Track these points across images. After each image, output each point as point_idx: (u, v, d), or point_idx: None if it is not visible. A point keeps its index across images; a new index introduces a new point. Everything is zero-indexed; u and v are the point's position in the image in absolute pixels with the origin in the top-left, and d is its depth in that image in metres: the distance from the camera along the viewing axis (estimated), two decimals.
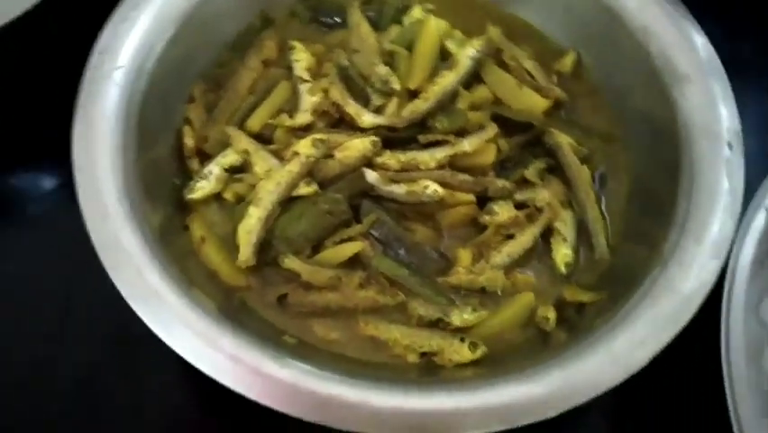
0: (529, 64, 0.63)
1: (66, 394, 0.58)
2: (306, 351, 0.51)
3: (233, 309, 0.52)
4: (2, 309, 0.61)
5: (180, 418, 0.58)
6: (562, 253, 0.56)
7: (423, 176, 0.56)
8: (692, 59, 0.57)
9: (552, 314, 0.53)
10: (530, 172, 0.58)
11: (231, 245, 0.55)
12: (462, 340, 0.51)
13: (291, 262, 0.54)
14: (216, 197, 0.57)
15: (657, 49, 0.58)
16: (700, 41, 0.57)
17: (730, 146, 0.53)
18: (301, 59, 0.61)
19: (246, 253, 0.53)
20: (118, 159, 0.52)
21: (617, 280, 0.54)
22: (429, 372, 0.51)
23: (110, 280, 0.47)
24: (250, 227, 0.54)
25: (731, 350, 0.46)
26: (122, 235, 0.48)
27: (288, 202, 0.55)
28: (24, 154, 0.68)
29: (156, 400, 0.58)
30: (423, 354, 0.52)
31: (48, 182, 0.68)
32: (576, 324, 0.52)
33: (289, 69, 0.61)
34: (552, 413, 0.43)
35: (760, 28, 0.70)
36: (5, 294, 0.62)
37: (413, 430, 0.44)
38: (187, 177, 0.58)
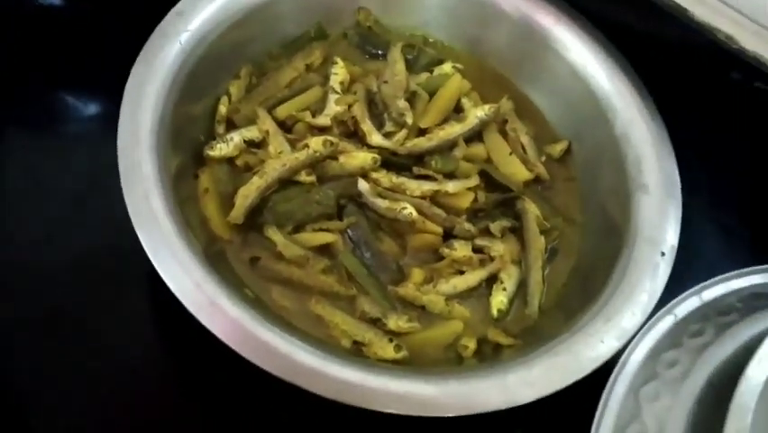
0: (526, 139, 0.71)
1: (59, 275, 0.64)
2: (259, 306, 0.58)
3: (212, 255, 0.59)
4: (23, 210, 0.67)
5: (147, 354, 0.63)
6: (499, 300, 0.63)
7: (405, 199, 0.65)
8: (658, 176, 0.65)
9: (472, 345, 0.60)
10: (495, 226, 0.65)
11: (227, 203, 0.63)
12: (391, 341, 0.59)
13: (273, 233, 0.62)
14: (229, 160, 0.65)
15: (633, 158, 0.66)
16: (671, 162, 0.66)
17: (662, 255, 0.61)
18: (339, 73, 0.70)
19: (238, 211, 0.61)
20: (160, 103, 0.60)
21: (534, 335, 0.61)
22: (355, 356, 0.58)
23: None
24: (248, 192, 0.62)
25: (604, 415, 0.53)
26: (143, 162, 0.57)
27: (286, 183, 0.63)
28: (87, 77, 0.77)
29: (126, 334, 0.62)
30: (355, 342, 0.59)
31: (98, 106, 0.76)
32: (489, 358, 0.60)
33: (326, 78, 0.70)
34: (440, 413, 0.50)
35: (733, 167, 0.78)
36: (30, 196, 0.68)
37: (329, 391, 0.50)
38: (212, 137, 0.66)
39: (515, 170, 0.69)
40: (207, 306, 0.52)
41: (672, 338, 0.57)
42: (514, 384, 0.53)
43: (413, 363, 0.59)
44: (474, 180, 0.67)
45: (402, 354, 0.58)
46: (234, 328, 0.52)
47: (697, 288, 0.59)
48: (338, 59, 0.70)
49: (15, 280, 0.63)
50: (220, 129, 0.66)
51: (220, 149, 0.64)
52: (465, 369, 0.56)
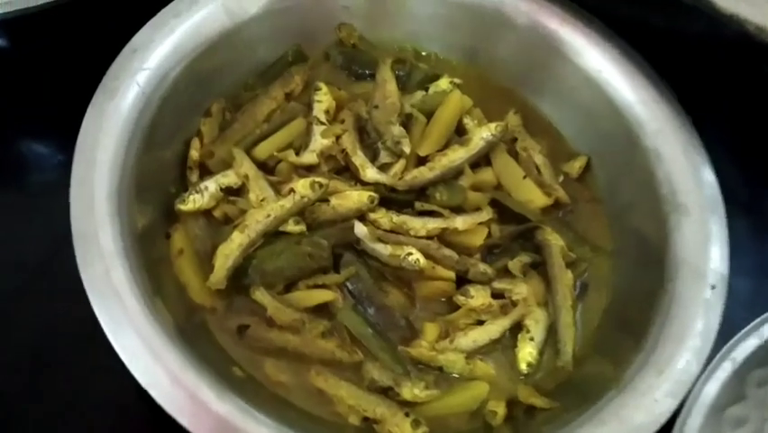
0: (539, 159, 0.63)
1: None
2: (251, 387, 0.51)
3: (191, 328, 0.52)
4: None
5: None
6: (527, 352, 0.55)
7: (410, 242, 0.57)
8: (695, 193, 0.57)
9: (501, 410, 0.52)
10: (514, 264, 0.58)
11: (207, 264, 0.55)
12: (407, 415, 0.50)
13: (261, 295, 0.54)
14: (205, 213, 0.57)
15: (664, 175, 0.58)
16: (708, 176, 0.58)
17: (713, 288, 0.53)
18: (323, 100, 0.62)
19: (219, 274, 0.53)
20: (120, 156, 0.52)
21: (572, 392, 0.53)
22: None
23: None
24: (229, 251, 0.54)
25: None
26: (101, 231, 0.49)
27: (272, 236, 0.56)
28: (40, 127, 0.69)
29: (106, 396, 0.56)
30: (365, 419, 0.51)
31: (57, 157, 0.68)
32: (522, 426, 0.52)
33: (309, 107, 0.62)
34: None
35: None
36: None
37: None
38: (184, 187, 0.58)
39: (531, 196, 0.61)
40: (188, 403, 0.44)
41: (735, 389, 0.50)
42: None
43: None
44: (486, 213, 0.59)
45: (421, 430, 0.50)
46: (221, 427, 0.44)
47: (754, 324, 0.52)
48: (321, 85, 0.62)
49: None
50: (192, 177, 0.59)
51: (194, 201, 0.56)
52: None
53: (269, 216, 0.55)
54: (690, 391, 0.49)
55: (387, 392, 0.52)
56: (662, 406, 0.48)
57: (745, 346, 0.51)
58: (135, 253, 0.50)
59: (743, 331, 0.51)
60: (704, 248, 0.55)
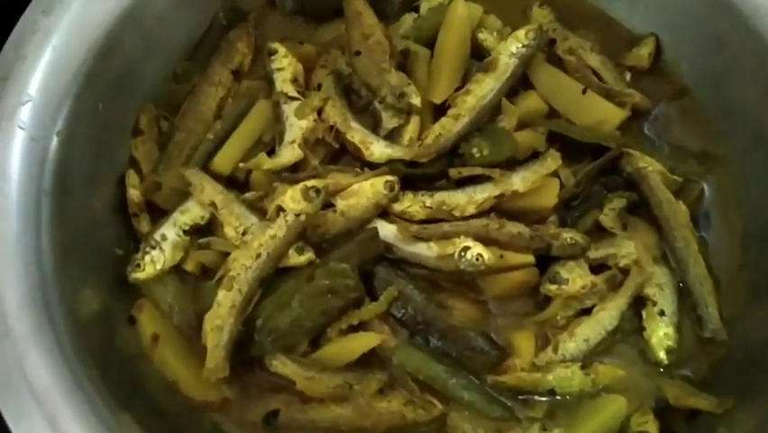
0: (594, 59, 0.51)
1: None
2: None
3: None
4: None
5: None
6: (661, 334, 0.44)
7: (459, 229, 0.44)
8: None
9: (652, 427, 0.40)
10: (606, 216, 0.46)
11: (196, 340, 0.42)
12: None
13: (282, 366, 0.43)
14: (174, 270, 0.45)
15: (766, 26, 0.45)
16: None
17: None
18: (284, 66, 0.50)
19: (215, 358, 0.41)
20: (26, 238, 0.40)
21: (741, 372, 0.41)
22: None
23: None
24: (220, 321, 0.41)
25: None
26: (26, 362, 0.35)
27: (274, 278, 0.43)
28: None
29: None
30: None
31: None
32: None
33: (269, 81, 0.50)
34: None
35: None
36: None
37: None
38: (134, 243, 0.45)
39: (599, 114, 0.49)
40: None
41: None
42: None
43: None
44: (551, 160, 0.46)
45: None
46: None
47: None
48: (275, 46, 0.50)
49: None
50: (142, 225, 0.47)
51: (151, 262, 0.44)
52: None
53: (259, 255, 0.43)
54: None
55: None
56: None
57: None
58: (88, 372, 0.37)
59: None
60: None
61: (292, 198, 0.43)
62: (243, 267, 0.42)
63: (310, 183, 0.43)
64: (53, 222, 0.41)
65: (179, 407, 0.41)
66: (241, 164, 0.46)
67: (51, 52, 0.43)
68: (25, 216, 0.40)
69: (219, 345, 0.41)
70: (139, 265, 0.44)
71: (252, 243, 0.42)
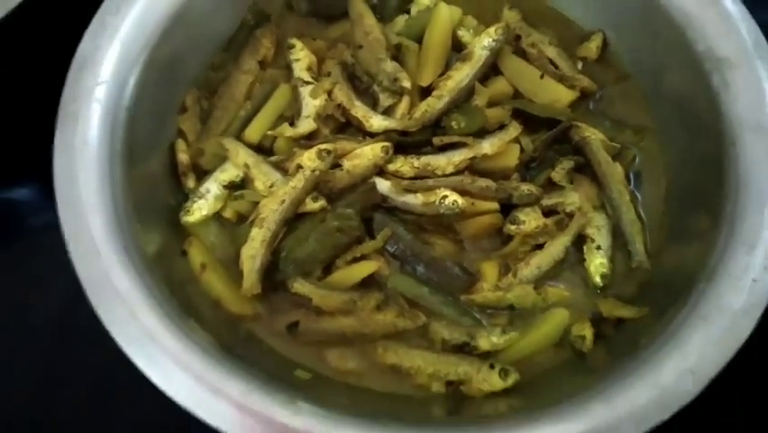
0: (552, 51, 0.58)
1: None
2: (321, 387, 0.47)
3: (239, 342, 0.48)
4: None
5: None
6: (597, 263, 0.51)
7: (440, 183, 0.52)
8: (736, 43, 0.51)
9: (588, 332, 0.49)
10: (557, 173, 0.53)
11: (234, 270, 0.51)
12: (492, 367, 0.47)
13: (300, 286, 0.50)
14: (216, 216, 0.53)
15: (696, 30, 0.52)
16: (747, 22, 0.51)
17: None
18: (301, 57, 0.57)
19: (250, 279, 0.49)
20: (105, 184, 0.47)
21: (659, 292, 0.49)
22: (456, 404, 0.47)
23: None
24: (253, 251, 0.50)
25: None
26: (112, 273, 0.44)
27: (294, 220, 0.51)
28: (22, 170, 0.64)
29: None
30: (449, 383, 0.48)
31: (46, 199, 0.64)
32: (616, 343, 0.48)
33: (289, 69, 0.57)
34: None
35: None
36: None
37: None
38: (183, 196, 0.54)
39: (554, 95, 0.56)
40: (262, 428, 0.40)
41: None
42: (672, 379, 0.41)
43: (527, 385, 0.47)
44: (513, 129, 0.54)
45: (512, 378, 0.47)
46: None
47: None
48: (294, 41, 0.57)
49: None
50: (189, 182, 0.54)
51: (199, 209, 0.52)
52: (598, 376, 0.43)
53: (283, 201, 0.50)
54: None
55: (463, 349, 0.49)
56: (764, 282, 0.43)
57: None
58: (156, 282, 0.46)
59: None
60: (760, 99, 0.49)
61: (309, 158, 0.51)
62: (271, 211, 0.50)
63: (323, 146, 0.51)
64: (124, 178, 0.48)
65: (222, 319, 0.49)
66: (268, 132, 0.53)
67: (119, 45, 0.50)
68: (103, 173, 0.47)
69: (253, 269, 0.49)
70: (189, 212, 0.52)
71: (278, 192, 0.50)
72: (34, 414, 0.55)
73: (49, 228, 0.59)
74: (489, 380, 0.46)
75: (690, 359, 0.42)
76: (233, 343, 0.47)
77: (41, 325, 0.57)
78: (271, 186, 0.51)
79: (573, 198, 0.52)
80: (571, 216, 0.52)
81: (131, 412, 0.53)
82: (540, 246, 0.52)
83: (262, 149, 0.54)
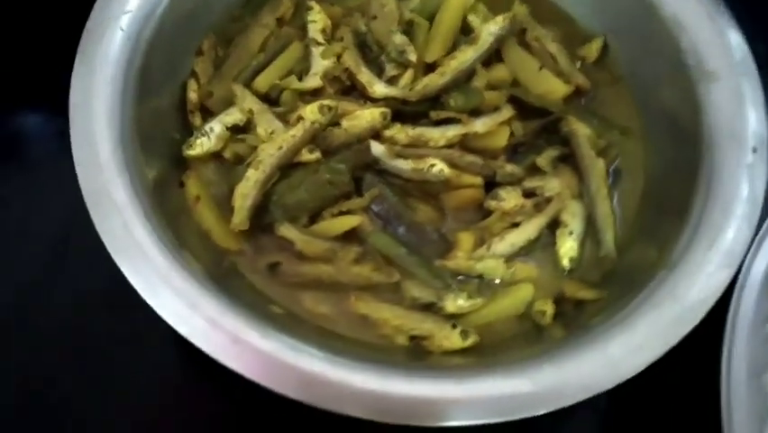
0: (553, 47, 0.60)
1: (52, 341, 0.57)
2: (292, 323, 0.50)
3: (221, 273, 0.51)
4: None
5: (170, 378, 0.56)
6: (567, 247, 0.54)
7: (430, 153, 0.54)
8: (723, 57, 0.53)
9: (549, 308, 0.51)
10: (542, 160, 0.56)
11: (226, 207, 0.53)
12: (454, 327, 0.50)
13: (286, 230, 0.52)
14: (215, 155, 0.55)
15: (688, 43, 0.55)
16: (735, 39, 0.54)
17: (754, 151, 0.50)
18: (317, 20, 0.59)
19: (240, 216, 0.52)
20: (117, 107, 0.50)
21: (620, 280, 0.52)
22: (417, 356, 0.49)
23: None
24: (246, 190, 0.52)
25: (732, 366, 0.44)
26: (112, 187, 0.47)
27: (288, 168, 0.54)
28: (30, 96, 0.67)
29: (145, 358, 0.56)
30: (412, 338, 0.50)
31: (55, 125, 0.66)
32: (573, 321, 0.50)
33: (304, 29, 0.60)
34: (540, 411, 0.42)
35: None
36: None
37: (394, 415, 0.42)
38: (188, 132, 0.56)
39: (549, 87, 0.59)
40: (233, 346, 0.43)
41: None
42: (619, 354, 0.44)
43: (485, 348, 0.50)
44: (506, 112, 0.56)
45: (471, 339, 0.49)
46: (269, 365, 0.43)
47: None
48: (312, 4, 0.60)
49: None
50: (196, 120, 0.57)
51: (201, 145, 0.55)
52: (554, 346, 0.46)
53: (281, 147, 0.53)
54: (743, 260, 0.47)
55: (430, 308, 0.51)
56: (716, 279, 0.46)
57: None
58: (151, 204, 0.48)
59: None
60: (739, 112, 0.52)
61: (311, 111, 0.53)
62: (268, 155, 0.52)
63: (325, 102, 0.53)
64: (135, 105, 0.50)
65: (209, 250, 0.52)
66: (276, 81, 0.56)
67: None
68: (116, 95, 0.49)
69: (244, 207, 0.51)
70: (191, 146, 0.54)
71: (277, 139, 0.52)
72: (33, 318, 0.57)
73: (54, 153, 0.64)
74: (450, 338, 0.49)
75: (638, 338, 0.44)
76: (215, 272, 0.49)
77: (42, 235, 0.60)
78: (272, 133, 0.54)
79: (554, 184, 0.55)
80: (549, 200, 0.55)
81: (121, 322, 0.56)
82: (516, 225, 0.54)
83: (269, 99, 0.57)
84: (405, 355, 0.49)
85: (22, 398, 0.55)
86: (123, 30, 0.52)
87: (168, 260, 0.45)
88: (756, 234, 0.48)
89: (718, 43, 0.54)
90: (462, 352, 0.49)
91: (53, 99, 0.63)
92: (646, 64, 0.58)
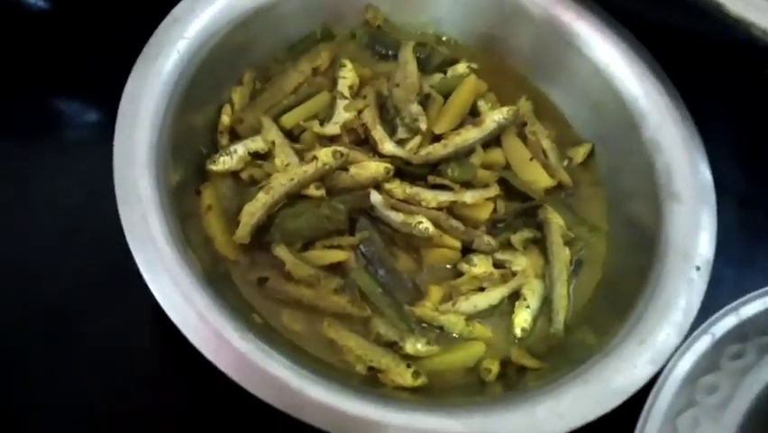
0: (547, 143, 0.67)
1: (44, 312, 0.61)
2: (268, 333, 0.55)
3: (217, 277, 0.56)
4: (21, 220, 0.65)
5: (148, 367, 0.60)
6: (522, 318, 0.60)
7: (421, 211, 0.61)
8: (690, 184, 0.61)
9: (495, 368, 0.57)
10: (516, 238, 0.62)
11: (232, 221, 0.59)
12: (409, 366, 0.55)
13: (281, 251, 0.58)
14: (233, 174, 0.62)
15: (663, 165, 0.62)
16: (703, 169, 0.62)
17: (698, 269, 0.57)
18: (348, 77, 0.67)
19: (244, 230, 0.58)
20: (159, 115, 0.57)
21: (561, 356, 0.58)
22: (371, 384, 0.55)
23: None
24: (254, 209, 0.58)
25: None
26: (140, 181, 0.53)
27: (294, 198, 0.60)
28: (79, 84, 0.73)
29: (126, 343, 0.60)
30: (370, 368, 0.56)
31: (93, 114, 0.73)
32: (514, 383, 0.56)
33: (334, 82, 0.67)
34: None
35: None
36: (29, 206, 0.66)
37: (341, 429, 0.47)
38: (214, 149, 0.63)
39: (536, 177, 0.66)
40: (212, 338, 0.49)
41: (710, 361, 0.54)
42: (543, 417, 0.50)
43: (432, 390, 0.55)
44: (494, 190, 0.63)
45: (421, 380, 0.55)
46: (242, 363, 0.49)
47: (734, 304, 0.56)
48: (346, 62, 0.67)
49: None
50: (223, 140, 0.63)
51: (223, 162, 0.61)
52: (490, 400, 0.52)
53: (292, 179, 0.59)
54: (668, 360, 0.53)
55: (392, 346, 0.57)
56: (641, 371, 0.52)
57: (724, 323, 0.55)
58: (169, 204, 0.55)
59: (723, 309, 0.55)
60: (693, 234, 0.59)
61: (325, 153, 0.59)
62: (280, 183, 0.58)
63: (339, 148, 0.60)
64: (174, 116, 0.57)
65: (210, 254, 0.57)
66: (301, 122, 0.63)
67: (208, 16, 0.61)
68: (161, 105, 0.56)
69: (249, 223, 0.57)
70: (215, 162, 0.60)
71: (290, 171, 0.59)
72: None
73: (87, 140, 0.70)
74: (403, 375, 0.55)
75: (562, 407, 0.50)
76: (212, 274, 0.55)
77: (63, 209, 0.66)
78: (287, 165, 0.60)
79: (522, 262, 0.61)
80: (515, 274, 0.61)
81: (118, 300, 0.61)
82: (482, 290, 0.60)
83: (291, 135, 0.63)
84: (360, 382, 0.55)
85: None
86: (178, 52, 0.60)
87: (174, 253, 0.52)
88: (684, 340, 0.54)
89: (688, 170, 0.62)
90: (411, 390, 0.55)
91: (96, 91, 0.72)
92: (624, 175, 0.66)
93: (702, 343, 0.54)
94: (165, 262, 0.51)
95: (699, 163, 0.62)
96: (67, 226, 0.65)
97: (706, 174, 0.62)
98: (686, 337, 0.54)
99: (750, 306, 0.56)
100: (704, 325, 0.55)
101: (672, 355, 0.53)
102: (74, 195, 0.67)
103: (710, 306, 0.57)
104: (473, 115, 0.67)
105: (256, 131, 0.63)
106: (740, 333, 0.55)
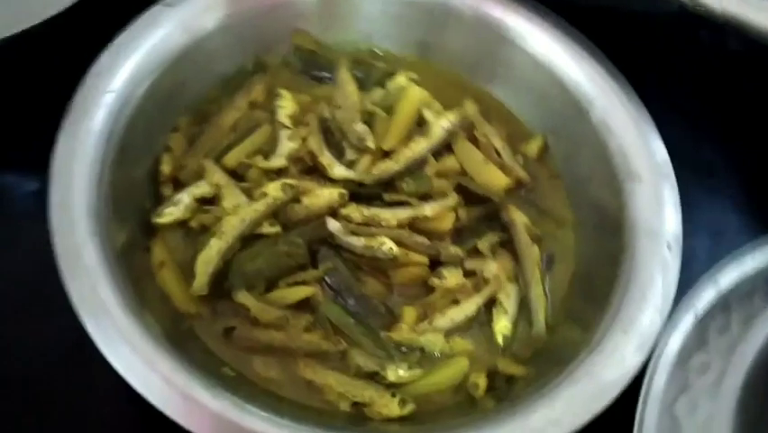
0: (498, 143, 0.66)
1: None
2: (242, 385, 0.52)
3: (179, 335, 0.53)
4: None
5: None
6: (502, 325, 0.58)
7: (382, 232, 0.59)
8: (646, 161, 0.61)
9: (482, 382, 0.55)
10: (483, 244, 0.60)
11: (188, 273, 0.56)
12: (394, 395, 0.53)
13: (243, 297, 0.56)
14: (182, 224, 0.59)
15: (616, 146, 0.62)
16: (657, 144, 0.62)
17: (669, 247, 0.56)
18: (286, 106, 0.64)
19: (201, 282, 0.55)
20: (94, 176, 0.54)
21: (548, 358, 0.56)
22: (358, 422, 0.52)
23: None
24: (208, 258, 0.56)
25: None
26: (83, 250, 0.50)
27: (249, 239, 0.58)
28: (9, 155, 0.70)
29: (98, 413, 0.58)
30: (354, 404, 0.53)
31: (32, 183, 0.69)
32: (504, 394, 0.54)
33: (273, 113, 0.64)
34: None
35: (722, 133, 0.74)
36: None
37: None
38: (159, 201, 0.60)
39: (493, 178, 0.63)
40: (184, 404, 0.46)
41: (697, 339, 0.53)
42: (538, 426, 0.48)
43: (422, 416, 0.53)
44: (453, 199, 0.62)
45: (408, 408, 0.53)
46: (217, 422, 0.46)
47: (710, 272, 0.55)
48: (282, 91, 0.65)
49: None
50: (166, 191, 0.61)
51: (169, 214, 0.58)
52: (482, 416, 0.50)
53: (244, 220, 0.57)
54: (655, 345, 0.52)
55: (373, 377, 0.55)
56: (630, 362, 0.51)
57: (705, 297, 0.54)
58: (119, 268, 0.52)
59: (698, 282, 0.54)
60: (658, 211, 0.58)
61: (274, 188, 0.57)
62: (231, 226, 0.56)
63: (288, 181, 0.58)
64: (111, 174, 0.54)
65: (169, 312, 0.54)
66: (244, 159, 0.60)
67: (133, 64, 0.58)
68: (95, 164, 0.54)
69: (205, 273, 0.55)
70: (160, 215, 0.57)
71: (241, 212, 0.56)
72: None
73: (29, 211, 0.67)
74: (389, 406, 0.52)
75: (556, 412, 0.49)
76: (173, 334, 0.53)
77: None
78: (237, 206, 0.58)
79: (492, 267, 0.60)
80: (487, 281, 0.59)
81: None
82: (457, 302, 0.58)
83: (237, 175, 0.61)
84: (346, 421, 0.52)
85: None
86: (106, 107, 0.57)
87: (129, 319, 0.49)
88: (668, 322, 0.53)
89: (642, 148, 0.62)
90: (400, 420, 0.53)
91: (31, 160, 0.68)
92: (580, 162, 0.65)
93: (686, 322, 0.53)
94: (121, 330, 0.48)
95: (652, 139, 0.62)
96: (21, 300, 0.62)
97: (660, 149, 0.61)
98: (669, 318, 0.53)
99: (726, 272, 0.55)
100: (682, 302, 0.54)
101: (657, 339, 0.52)
102: (22, 270, 0.63)
103: (688, 282, 0.56)
104: (420, 125, 0.65)
105: (199, 176, 0.60)
106: (723, 305, 0.54)
